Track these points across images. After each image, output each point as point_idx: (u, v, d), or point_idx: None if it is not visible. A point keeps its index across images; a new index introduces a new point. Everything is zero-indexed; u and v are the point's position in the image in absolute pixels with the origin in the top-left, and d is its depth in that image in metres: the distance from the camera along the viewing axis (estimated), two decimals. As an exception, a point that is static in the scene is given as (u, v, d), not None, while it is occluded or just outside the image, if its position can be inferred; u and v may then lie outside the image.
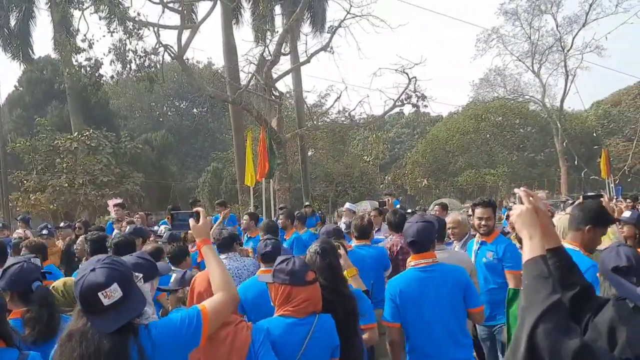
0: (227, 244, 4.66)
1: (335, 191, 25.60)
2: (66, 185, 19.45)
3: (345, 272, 3.46)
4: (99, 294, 1.89)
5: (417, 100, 18.09)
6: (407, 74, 17.49)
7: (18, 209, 20.43)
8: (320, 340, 2.74)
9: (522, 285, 1.59)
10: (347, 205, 10.49)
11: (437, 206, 9.80)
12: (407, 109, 30.97)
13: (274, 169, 13.24)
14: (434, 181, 27.79)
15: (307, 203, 14.55)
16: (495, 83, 36.77)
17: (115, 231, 7.98)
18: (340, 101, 19.62)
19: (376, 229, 7.36)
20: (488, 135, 32.04)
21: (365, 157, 30.43)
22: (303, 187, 21.41)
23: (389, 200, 11.29)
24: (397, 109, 21.15)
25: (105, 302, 1.89)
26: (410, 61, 18.27)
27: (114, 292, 1.90)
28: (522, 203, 1.80)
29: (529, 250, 1.63)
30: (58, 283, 3.39)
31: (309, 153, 25.62)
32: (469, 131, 31.06)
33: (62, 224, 9.95)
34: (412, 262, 3.47)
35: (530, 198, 1.78)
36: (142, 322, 1.99)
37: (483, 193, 26.34)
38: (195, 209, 2.61)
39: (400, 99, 17.98)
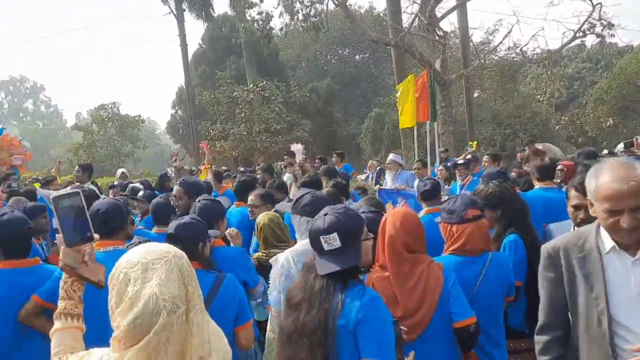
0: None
1: (504, 134, 24.27)
2: (245, 133, 21.35)
3: None
4: (321, 237, 2.08)
5: (602, 30, 16.09)
6: (590, 0, 15.60)
7: (205, 155, 23.08)
8: (493, 277, 2.75)
9: None
10: (392, 156, 9.39)
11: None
12: (590, 41, 27.61)
13: (436, 112, 13.03)
14: (621, 120, 24.75)
15: (337, 152, 12.13)
16: None
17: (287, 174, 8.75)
18: (511, 36, 18.31)
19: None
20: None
21: (539, 97, 28.12)
22: (468, 130, 20.71)
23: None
24: (577, 41, 19.08)
25: (325, 246, 2.07)
26: (594, -16, 16.20)
27: (333, 240, 2.06)
28: None
29: None
30: (262, 218, 3.70)
31: (475, 94, 24.49)
32: (666, 61, 26.80)
33: (240, 169, 11.06)
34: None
35: None
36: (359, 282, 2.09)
37: (683, 133, 22.85)
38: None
39: (582, 29, 16.15)
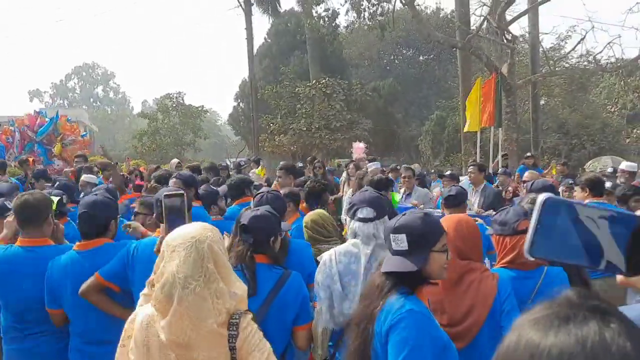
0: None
1: (570, 144, 23.40)
2: (304, 129, 21.57)
3: None
4: (390, 235, 2.06)
5: (685, 40, 15.24)
6: (673, 8, 14.81)
7: (265, 148, 23.49)
8: (548, 293, 2.63)
9: None
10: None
11: None
12: (670, 51, 26.19)
13: (501, 118, 12.76)
14: (698, 136, 23.36)
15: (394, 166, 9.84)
16: None
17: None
18: (585, 43, 17.45)
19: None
20: None
21: (609, 107, 26.92)
22: (532, 138, 20.10)
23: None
24: (656, 51, 18.14)
25: (393, 245, 2.05)
26: (679, -8, 15.34)
27: (400, 241, 2.02)
28: None
29: None
30: (306, 219, 3.75)
31: (542, 102, 23.71)
32: None
33: (299, 164, 11.22)
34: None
35: None
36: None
37: None
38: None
39: (662, 38, 15.36)
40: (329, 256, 2.74)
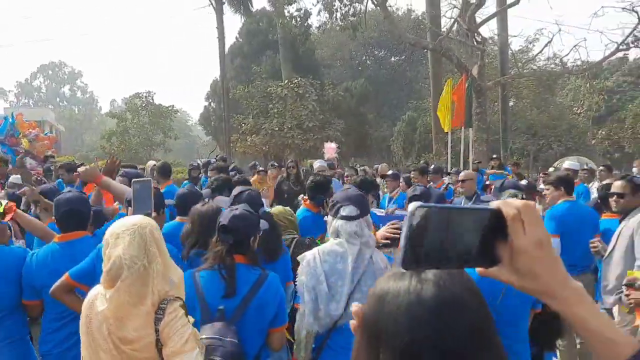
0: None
1: (538, 145, 23.87)
2: (277, 129, 21.47)
3: None
4: None
5: (647, 44, 15.71)
6: (636, 12, 15.22)
7: (237, 149, 23.28)
8: (517, 295, 2.55)
9: None
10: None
11: None
12: (633, 54, 26.97)
13: (471, 119, 12.88)
14: (661, 138, 24.08)
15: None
16: None
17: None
18: (551, 46, 17.90)
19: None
20: None
21: (576, 109, 27.56)
22: (502, 139, 20.42)
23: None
24: (619, 54, 18.64)
25: None
26: (642, -3, 15.79)
27: None
28: None
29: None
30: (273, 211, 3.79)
31: (511, 103, 24.13)
32: None
33: (271, 164, 11.11)
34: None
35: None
36: None
37: None
38: None
39: (626, 41, 15.79)
40: (312, 256, 2.67)
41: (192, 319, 2.08)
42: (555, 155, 22.14)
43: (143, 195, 2.91)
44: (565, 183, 4.55)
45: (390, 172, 7.68)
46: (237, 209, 2.67)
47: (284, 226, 3.68)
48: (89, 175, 3.80)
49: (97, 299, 2.01)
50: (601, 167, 8.82)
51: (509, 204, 0.81)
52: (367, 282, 2.59)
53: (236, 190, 3.73)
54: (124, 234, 1.98)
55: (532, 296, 2.79)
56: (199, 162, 12.76)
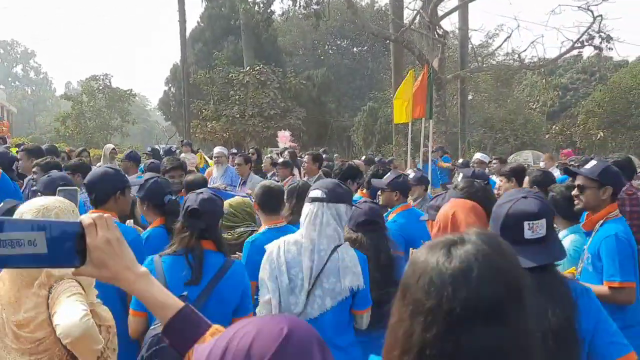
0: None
1: (494, 138, 24.45)
2: (237, 116, 21.21)
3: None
4: (525, 223, 1.76)
5: (601, 42, 16.30)
6: (591, 11, 15.74)
7: (197, 135, 22.90)
8: None
9: None
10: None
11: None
12: (587, 52, 27.90)
13: (432, 111, 13.03)
14: (610, 134, 25.02)
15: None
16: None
17: None
18: (510, 41, 18.24)
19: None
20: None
21: (532, 104, 28.37)
22: (460, 132, 20.80)
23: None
24: (574, 52, 19.27)
25: (527, 234, 1.75)
26: (597, -3, 16.32)
27: (539, 227, 1.75)
28: None
29: None
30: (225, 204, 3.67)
31: (469, 97, 24.60)
32: (660, 79, 27.11)
33: (232, 150, 11.02)
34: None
35: None
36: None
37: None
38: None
39: (581, 40, 16.32)
40: (277, 246, 2.57)
41: (93, 294, 2.08)
42: (511, 149, 22.73)
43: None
44: (517, 174, 4.65)
45: (280, 160, 7.23)
46: (202, 192, 2.56)
47: (240, 218, 3.60)
48: None
49: None
50: (494, 159, 8.76)
51: (87, 217, 1.06)
52: (330, 279, 2.48)
53: (147, 175, 3.58)
54: (27, 214, 1.98)
55: None
56: (157, 147, 12.48)
